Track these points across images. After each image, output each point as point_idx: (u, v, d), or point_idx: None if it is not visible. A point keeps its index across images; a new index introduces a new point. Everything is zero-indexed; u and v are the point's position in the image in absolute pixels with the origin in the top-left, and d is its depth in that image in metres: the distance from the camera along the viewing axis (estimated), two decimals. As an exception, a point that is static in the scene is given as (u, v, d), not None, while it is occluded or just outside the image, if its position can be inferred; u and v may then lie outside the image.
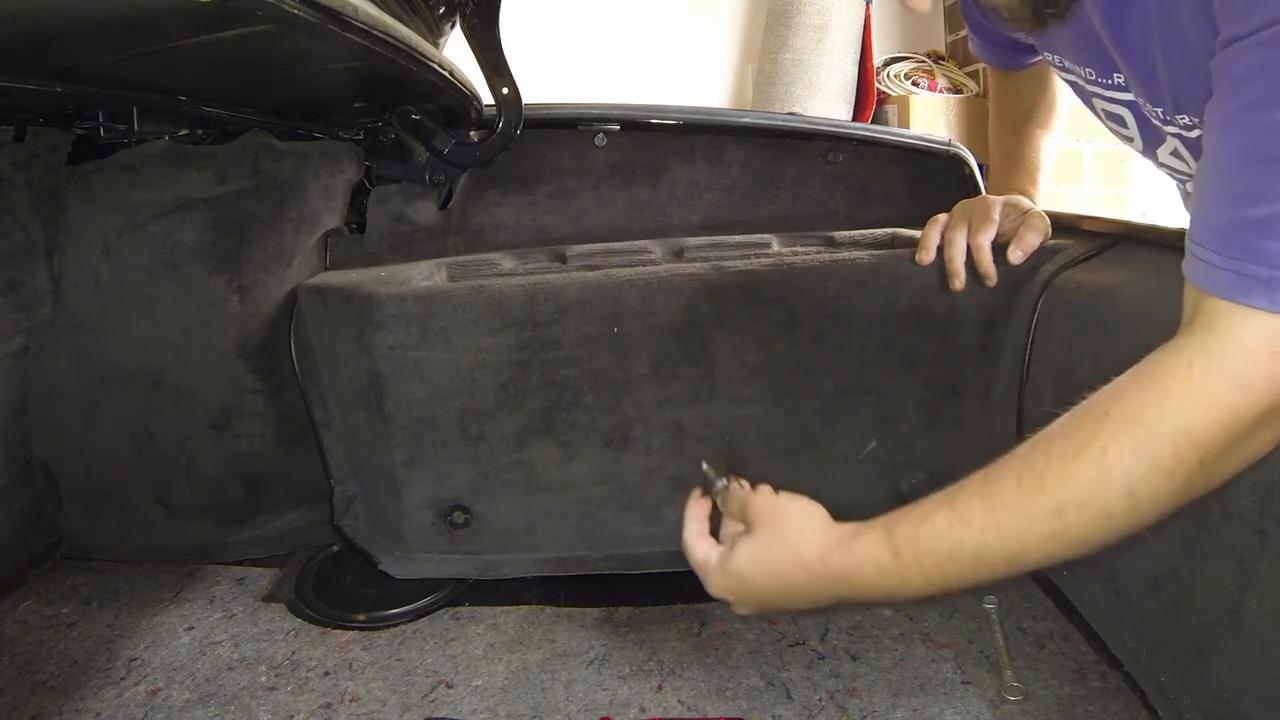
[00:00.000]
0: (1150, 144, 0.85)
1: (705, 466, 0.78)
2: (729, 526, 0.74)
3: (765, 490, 0.73)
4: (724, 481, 0.76)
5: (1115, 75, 0.80)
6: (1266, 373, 0.55)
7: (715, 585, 0.71)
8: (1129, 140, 0.87)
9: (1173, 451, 0.58)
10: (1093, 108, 0.89)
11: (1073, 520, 0.60)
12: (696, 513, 0.76)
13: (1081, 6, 0.73)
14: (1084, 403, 0.61)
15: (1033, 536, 0.61)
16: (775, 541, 0.69)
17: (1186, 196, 0.93)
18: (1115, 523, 0.61)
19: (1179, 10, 0.62)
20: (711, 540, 0.73)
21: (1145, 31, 0.69)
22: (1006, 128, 1.16)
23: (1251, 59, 0.52)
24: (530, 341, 1.11)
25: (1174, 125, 0.76)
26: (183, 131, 1.13)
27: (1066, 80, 0.92)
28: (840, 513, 0.70)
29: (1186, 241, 0.60)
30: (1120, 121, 0.86)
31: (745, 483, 0.75)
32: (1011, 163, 1.14)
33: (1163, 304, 0.84)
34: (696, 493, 0.77)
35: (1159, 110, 0.76)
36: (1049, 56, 0.90)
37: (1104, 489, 0.59)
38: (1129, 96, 0.80)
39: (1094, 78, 0.83)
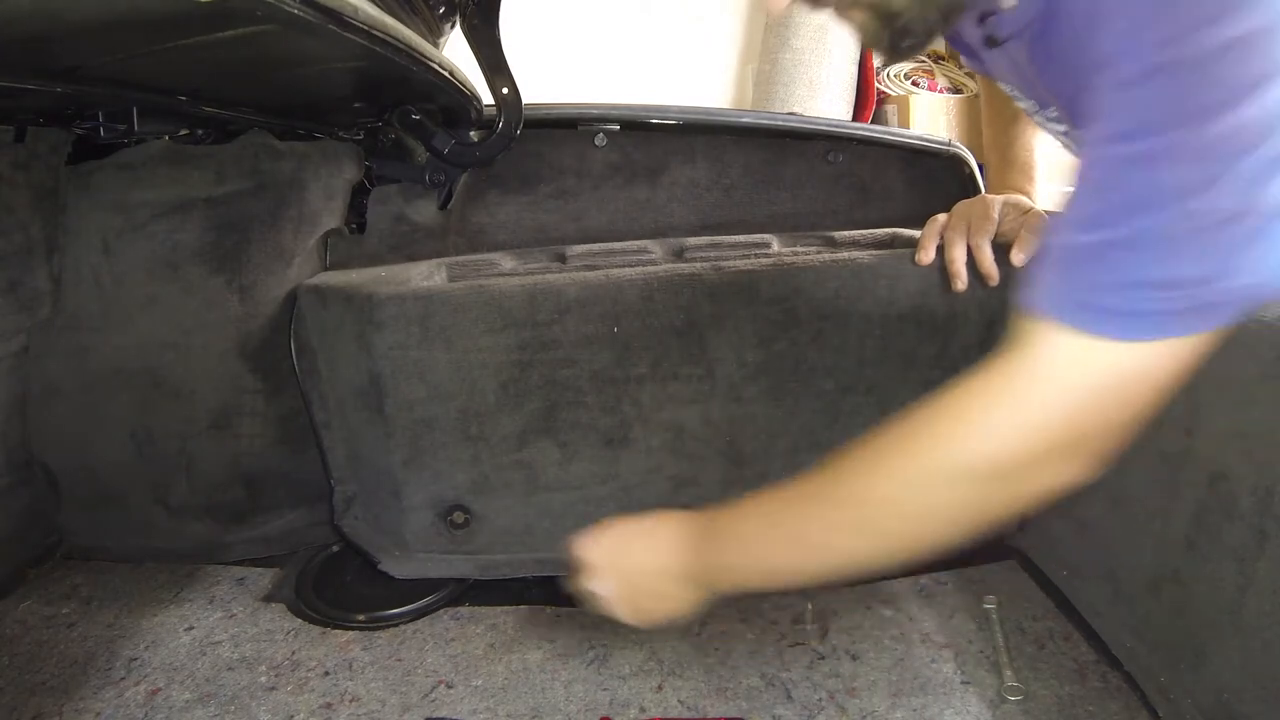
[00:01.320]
0: None
1: None
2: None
3: None
4: None
5: (1050, 109, 0.81)
6: (1064, 403, 0.57)
7: (588, 552, 0.83)
8: None
9: (967, 470, 0.60)
10: (1051, 134, 0.91)
11: (873, 523, 0.66)
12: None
13: (1012, 44, 0.74)
14: (905, 414, 0.65)
15: (835, 534, 0.68)
16: (638, 544, 0.82)
17: None
18: (907, 535, 0.65)
19: (1086, 54, 0.62)
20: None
21: (1065, 73, 0.70)
22: (999, 128, 1.16)
23: (1109, 98, 0.54)
24: (530, 341, 1.11)
25: None
26: (183, 131, 1.13)
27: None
28: None
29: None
30: (1071, 150, 0.87)
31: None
32: (1007, 162, 1.14)
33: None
34: None
35: None
36: (1001, 85, 0.91)
37: (897, 501, 0.63)
38: (1065, 128, 0.81)
39: (1035, 110, 0.84)
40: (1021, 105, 0.90)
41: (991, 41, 0.75)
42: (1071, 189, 0.58)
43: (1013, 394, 0.59)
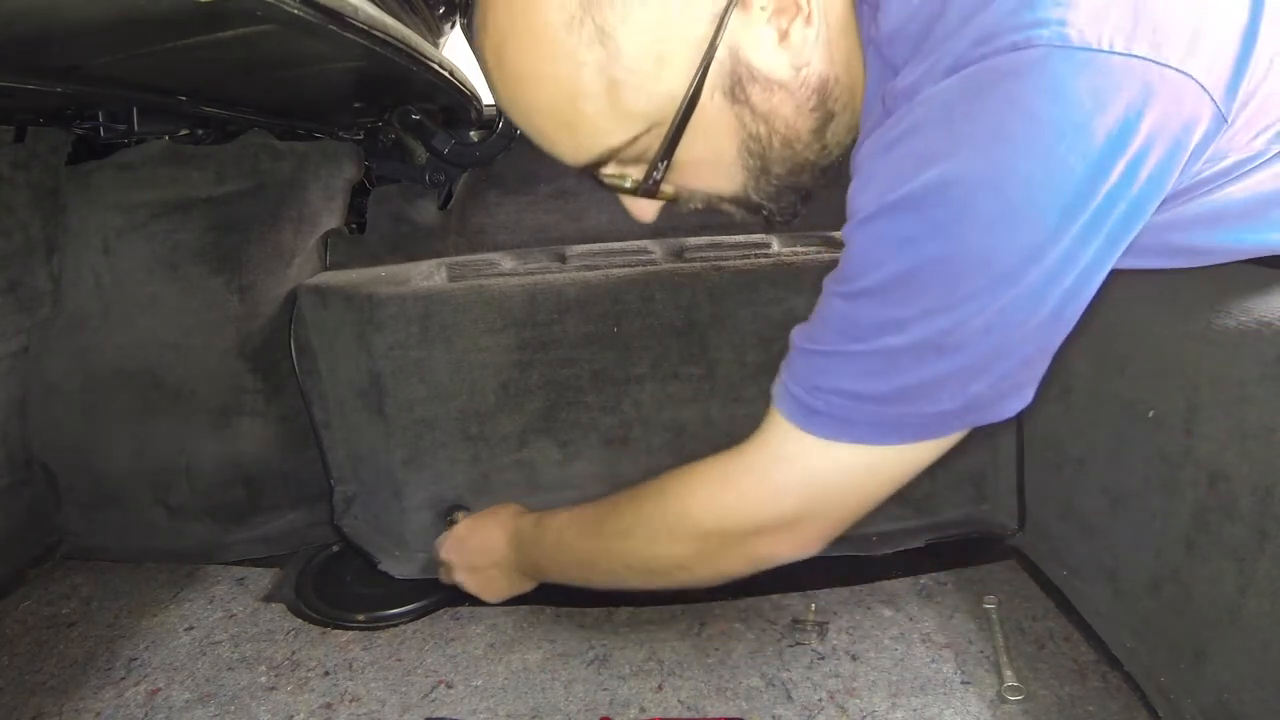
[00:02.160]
0: None
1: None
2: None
3: None
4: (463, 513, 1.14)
5: None
6: (780, 489, 0.67)
7: (444, 551, 1.07)
8: None
9: (685, 528, 0.74)
10: None
11: (616, 556, 0.82)
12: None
13: None
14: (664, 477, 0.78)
15: (594, 558, 0.85)
16: (485, 514, 1.06)
17: None
18: (645, 571, 0.80)
19: None
20: None
21: None
22: None
23: (847, 232, 0.60)
24: (530, 341, 1.11)
25: None
26: (183, 131, 1.13)
27: None
28: None
29: None
30: None
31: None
32: None
33: (1161, 303, 0.84)
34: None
35: None
36: None
37: (633, 538, 0.79)
38: None
39: None
40: None
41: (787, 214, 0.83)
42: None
43: (743, 469, 0.69)
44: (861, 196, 0.57)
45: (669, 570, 0.77)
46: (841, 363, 0.60)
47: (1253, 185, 0.61)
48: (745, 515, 0.69)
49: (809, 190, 0.70)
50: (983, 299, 0.54)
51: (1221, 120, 0.54)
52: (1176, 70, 0.50)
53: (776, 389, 0.66)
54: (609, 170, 0.64)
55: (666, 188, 0.66)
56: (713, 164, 0.64)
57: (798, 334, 0.65)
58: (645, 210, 0.69)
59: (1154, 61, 0.49)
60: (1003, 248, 0.53)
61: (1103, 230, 0.53)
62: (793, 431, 0.64)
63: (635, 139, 0.60)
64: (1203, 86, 0.51)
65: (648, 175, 0.63)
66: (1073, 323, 0.58)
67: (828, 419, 0.62)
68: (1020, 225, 0.52)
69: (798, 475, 0.65)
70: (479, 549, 1.03)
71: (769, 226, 0.73)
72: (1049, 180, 0.51)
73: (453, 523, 1.13)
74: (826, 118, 0.65)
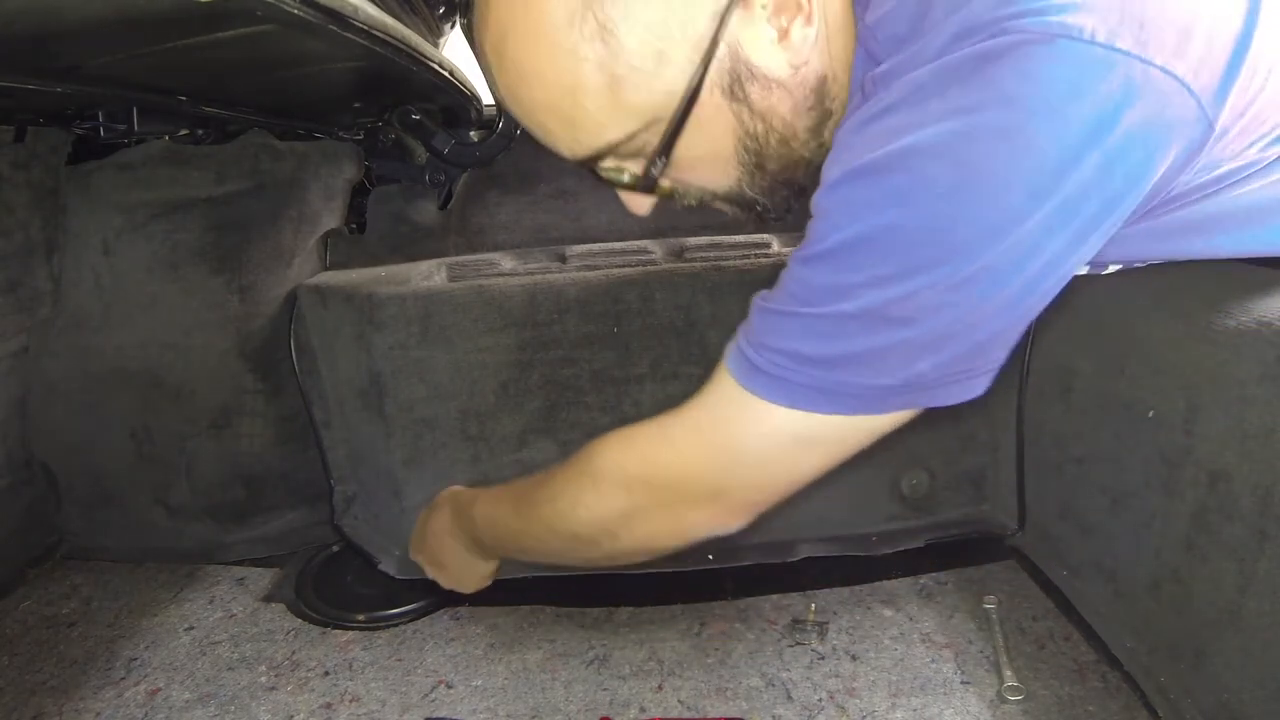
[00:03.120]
0: None
1: None
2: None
3: None
4: None
5: None
6: (715, 445, 0.66)
7: (411, 552, 1.10)
8: None
9: (619, 483, 0.73)
10: None
11: (547, 529, 0.80)
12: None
13: None
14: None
15: (533, 538, 0.84)
16: (434, 502, 1.06)
17: None
18: (571, 544, 0.80)
19: None
20: None
21: None
22: None
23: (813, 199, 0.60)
24: (530, 341, 1.10)
25: None
26: (183, 131, 1.13)
27: None
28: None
29: None
30: None
31: None
32: None
33: (1161, 303, 0.84)
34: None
35: None
36: None
37: (561, 511, 0.77)
38: None
39: None
40: None
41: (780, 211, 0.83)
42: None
43: (679, 424, 0.68)
44: (831, 168, 0.57)
45: (594, 536, 0.75)
46: (790, 322, 0.59)
47: (1247, 194, 0.61)
48: (675, 471, 0.68)
49: (803, 186, 0.69)
50: (936, 272, 0.53)
51: (1208, 127, 0.53)
52: (1161, 69, 0.49)
53: (729, 347, 0.65)
54: (607, 165, 0.64)
55: (664, 183, 0.67)
56: (710, 160, 0.64)
57: (759, 295, 0.65)
58: (641, 205, 0.69)
59: (1138, 58, 0.49)
60: (961, 220, 0.52)
61: (1071, 223, 0.52)
62: (733, 388, 0.63)
63: (634, 135, 0.61)
64: (1188, 89, 0.50)
65: (646, 171, 0.63)
66: (1031, 316, 0.57)
67: (768, 379, 0.61)
68: (981, 199, 0.51)
69: (732, 436, 0.64)
70: (432, 536, 1.03)
71: (762, 222, 0.72)
72: (1015, 158, 0.50)
73: None
74: (824, 116, 0.65)
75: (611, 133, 0.60)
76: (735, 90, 0.60)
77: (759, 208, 0.69)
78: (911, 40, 0.55)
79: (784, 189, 0.68)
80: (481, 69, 0.65)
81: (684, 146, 0.62)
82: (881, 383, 0.58)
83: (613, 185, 0.67)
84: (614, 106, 0.59)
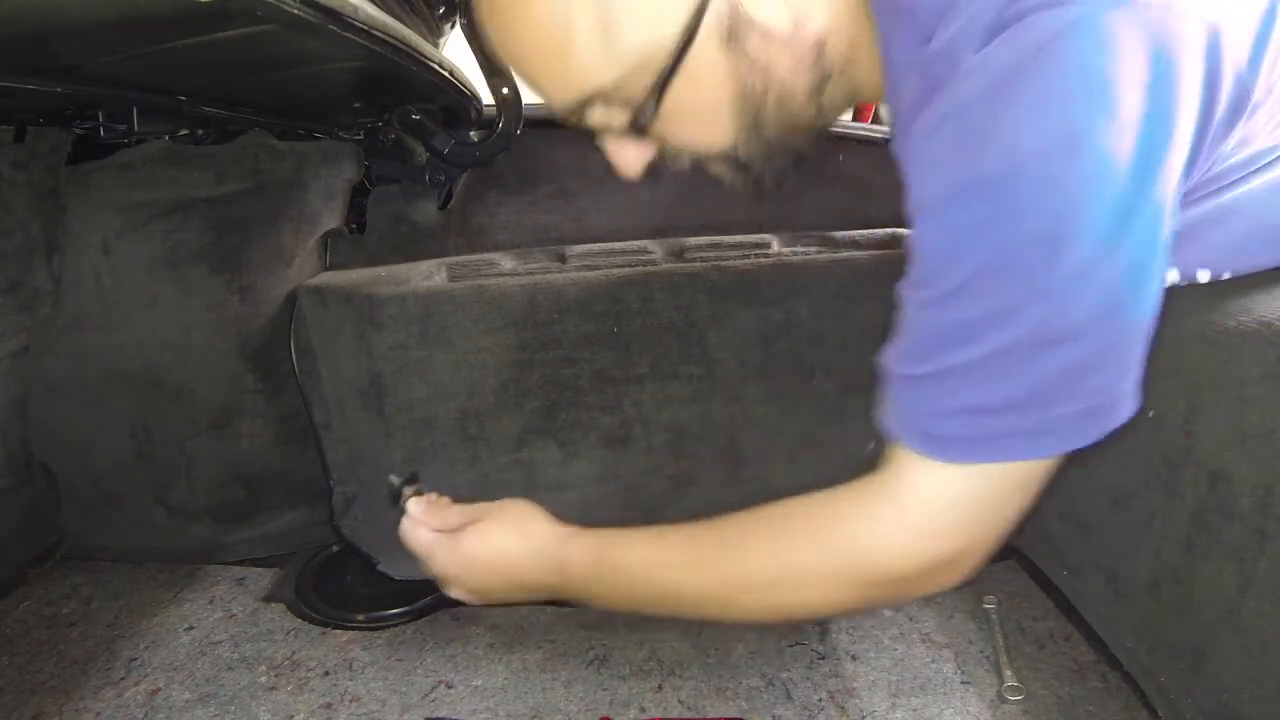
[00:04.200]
0: None
1: (391, 478, 0.86)
2: (439, 527, 0.81)
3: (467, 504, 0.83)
4: (412, 488, 0.85)
5: None
6: (931, 534, 0.59)
7: (438, 563, 0.79)
8: None
9: (849, 578, 0.63)
10: None
11: (751, 601, 0.67)
12: (414, 509, 0.83)
13: None
14: (795, 500, 0.67)
15: (715, 600, 0.69)
16: (504, 526, 0.78)
17: None
18: (787, 615, 0.69)
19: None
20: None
21: None
22: None
23: (913, 246, 0.56)
24: (530, 341, 1.10)
25: None
26: (183, 131, 1.13)
27: None
28: None
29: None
30: None
31: (443, 497, 0.85)
32: None
33: (1161, 303, 0.84)
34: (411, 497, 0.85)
35: None
36: None
37: (782, 588, 0.65)
38: None
39: None
40: None
41: (777, 179, 0.79)
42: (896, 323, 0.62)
43: (894, 518, 0.61)
44: (925, 188, 0.54)
45: (818, 613, 0.71)
46: (955, 379, 0.55)
47: (1273, 179, 0.60)
48: (910, 564, 0.61)
49: (800, 153, 0.67)
50: (1088, 272, 0.50)
51: (1246, 89, 0.52)
52: (1201, 20, 0.49)
53: (891, 425, 0.60)
54: (596, 114, 0.62)
55: (654, 136, 0.64)
56: (705, 116, 0.62)
57: (893, 360, 0.60)
58: (632, 161, 0.66)
59: (1181, 11, 0.49)
60: (1095, 209, 0.49)
61: (1164, 172, 0.50)
62: (930, 466, 0.58)
63: (625, 81, 0.58)
64: (1224, 43, 0.50)
65: (636, 115, 0.61)
66: (1157, 283, 0.53)
67: (963, 443, 0.56)
68: (1106, 181, 0.49)
69: (956, 511, 0.59)
70: (497, 571, 0.78)
71: (758, 190, 0.70)
72: (1117, 131, 0.48)
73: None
74: (823, 78, 0.62)
75: (601, 77, 0.58)
76: (732, 40, 0.58)
77: (755, 173, 0.67)
78: (954, 11, 0.53)
79: (781, 155, 0.66)
80: (474, 12, 0.63)
81: (676, 96, 0.59)
82: (1080, 407, 0.54)
83: (602, 137, 0.64)
84: (605, 49, 0.57)
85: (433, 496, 0.84)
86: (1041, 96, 0.49)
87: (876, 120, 3.28)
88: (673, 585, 0.70)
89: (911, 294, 0.57)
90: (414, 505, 0.83)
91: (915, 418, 0.58)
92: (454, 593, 0.81)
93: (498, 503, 0.81)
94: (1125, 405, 0.55)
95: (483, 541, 0.78)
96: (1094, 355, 0.53)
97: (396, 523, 0.83)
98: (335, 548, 1.28)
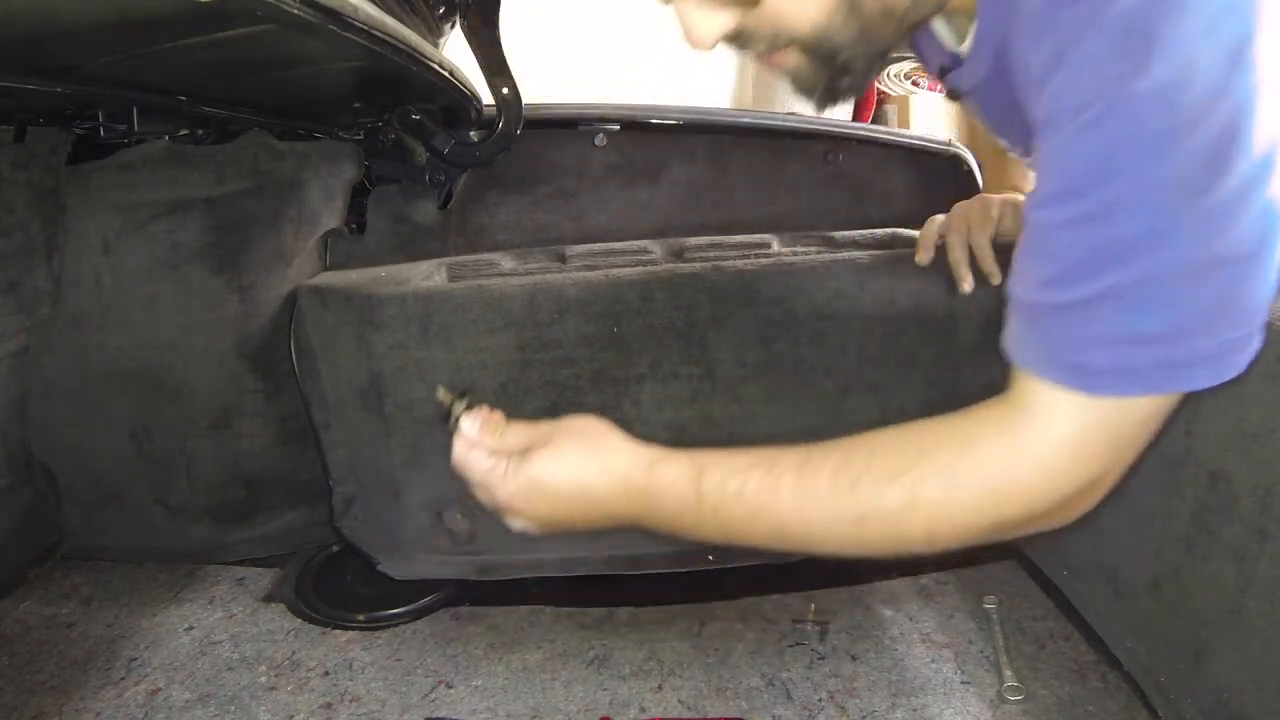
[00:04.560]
0: None
1: (440, 391, 0.74)
2: (497, 449, 0.70)
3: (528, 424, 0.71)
4: (464, 403, 0.72)
5: (1019, 151, 0.81)
6: (1069, 468, 0.57)
7: (502, 491, 0.68)
8: None
9: (974, 513, 0.60)
10: None
11: (870, 532, 0.61)
12: (469, 427, 0.71)
13: (971, 96, 0.73)
14: (916, 425, 0.63)
15: (829, 530, 0.62)
16: (581, 449, 0.68)
17: None
18: (908, 547, 0.63)
19: (1027, 115, 0.61)
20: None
21: (1013, 132, 0.69)
22: None
23: (1046, 160, 0.53)
24: (530, 341, 1.10)
25: None
26: (183, 131, 1.13)
27: None
28: None
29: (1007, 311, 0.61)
30: None
31: (497, 413, 0.73)
32: (1005, 159, 1.15)
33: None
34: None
35: None
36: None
37: (906, 519, 0.60)
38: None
39: (1010, 148, 0.84)
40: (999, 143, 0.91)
41: (952, 95, 0.75)
42: (1021, 248, 0.58)
43: (1035, 451, 0.58)
44: (1075, 93, 0.50)
45: (941, 545, 0.63)
46: (1106, 304, 0.51)
47: None
48: (1043, 499, 0.58)
49: (885, 52, 0.62)
50: (1249, 190, 0.48)
51: None
52: None
53: (1025, 358, 0.57)
54: None
55: (736, 7, 0.59)
56: None
57: (1029, 287, 0.56)
58: (705, 31, 0.60)
59: None
60: (1258, 125, 0.47)
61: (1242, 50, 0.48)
62: (1068, 399, 0.54)
63: None
64: None
65: None
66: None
67: (1112, 376, 0.53)
68: (1270, 95, 0.47)
69: (1093, 445, 0.56)
70: (570, 500, 0.68)
71: (829, 97, 0.64)
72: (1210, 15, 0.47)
73: (453, 523, 1.10)
74: None
75: None
76: None
77: (835, 69, 0.62)
78: None
79: (868, 48, 0.61)
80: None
81: None
82: (1235, 334, 0.51)
83: (674, 2, 0.60)
84: None
85: (487, 412, 0.73)
86: (1212, 4, 0.47)
87: (877, 120, 3.29)
88: (787, 517, 0.63)
89: (1051, 213, 0.53)
90: (468, 423, 0.71)
91: (1060, 349, 0.54)
92: (516, 524, 0.71)
93: (565, 420, 0.71)
94: (1257, 339, 0.53)
95: (553, 466, 0.67)
96: (1244, 280, 0.51)
97: (447, 444, 0.72)
98: (335, 548, 1.28)
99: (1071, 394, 0.55)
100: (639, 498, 0.67)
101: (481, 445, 0.70)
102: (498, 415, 0.72)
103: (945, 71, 0.73)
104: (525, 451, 0.68)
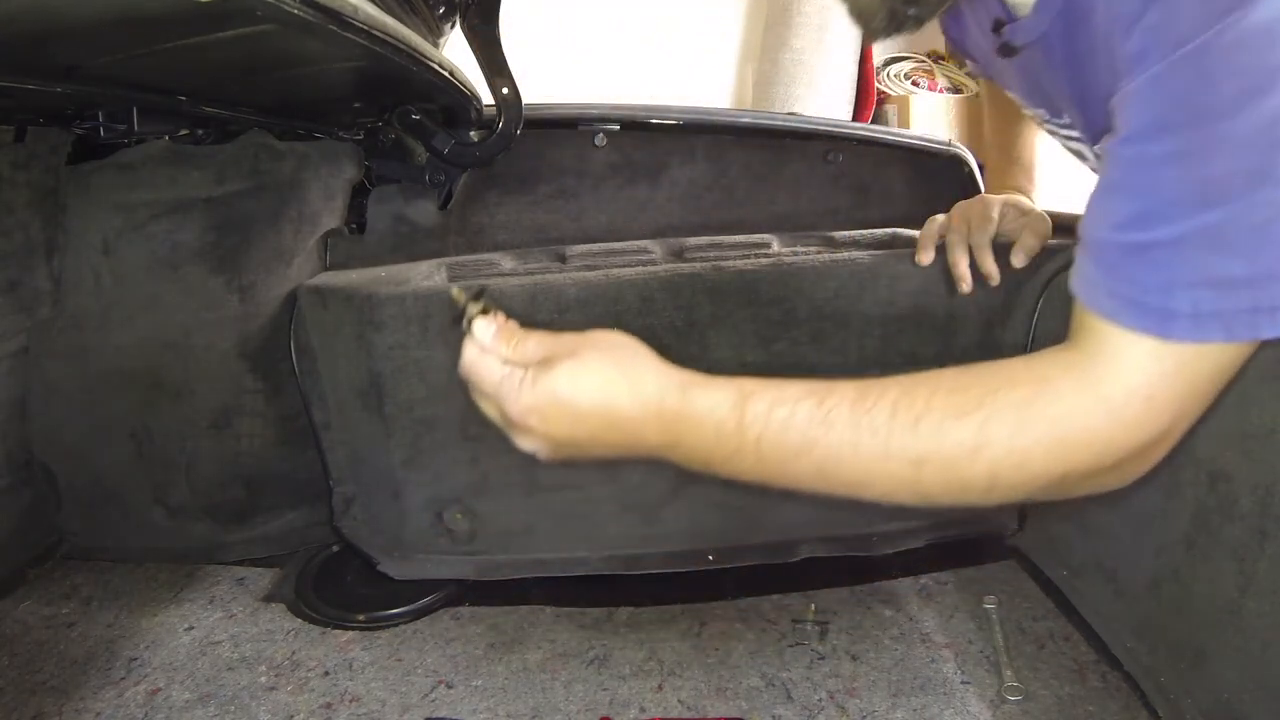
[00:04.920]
0: None
1: (453, 289, 0.67)
2: (513, 359, 0.64)
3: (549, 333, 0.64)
4: (479, 305, 0.65)
5: (1063, 117, 0.80)
6: (1142, 417, 0.54)
7: (517, 405, 0.62)
8: (1095, 171, 0.88)
9: (1044, 459, 0.56)
10: (1056, 140, 0.90)
11: (929, 475, 0.57)
12: (483, 332, 0.66)
13: (1028, 51, 0.72)
14: (981, 365, 0.59)
15: (884, 470, 0.57)
16: (609, 365, 0.62)
17: None
18: (967, 495, 0.58)
19: (1114, 54, 0.60)
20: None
21: (1089, 75, 0.69)
22: (1000, 127, 1.16)
23: (1139, 96, 0.52)
24: (530, 341, 1.10)
25: None
26: (183, 131, 1.13)
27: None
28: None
29: (1076, 254, 0.59)
30: (1080, 156, 0.86)
31: (513, 321, 0.66)
32: (1007, 160, 1.14)
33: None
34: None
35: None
36: (1008, 92, 0.90)
37: (970, 462, 0.56)
38: (1079, 133, 0.80)
39: (1047, 118, 0.84)
40: (1029, 113, 0.90)
41: (1007, 50, 0.73)
42: (1101, 187, 0.56)
43: (1100, 402, 0.55)
44: (1179, 24, 0.49)
45: (1002, 496, 0.59)
46: (1196, 245, 0.49)
47: None
48: (1115, 448, 0.56)
49: None
50: None
51: None
52: None
53: (1099, 300, 0.55)
54: None
55: None
56: None
57: (1108, 226, 0.54)
58: None
59: None
60: None
61: None
62: (1145, 344, 0.52)
63: None
64: None
65: None
66: None
67: (1196, 320, 0.50)
68: None
69: (1167, 394, 0.53)
70: (591, 421, 0.62)
71: (893, 25, 0.62)
72: None
73: (453, 523, 1.10)
74: None
75: None
76: None
77: None
78: None
79: None
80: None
81: None
82: None
83: None
84: None
85: (503, 319, 0.66)
86: None
87: (877, 120, 3.29)
88: (840, 453, 0.57)
89: (1140, 147, 0.51)
90: (481, 328, 0.65)
91: (1139, 291, 0.52)
92: (528, 444, 0.65)
93: (593, 333, 0.65)
94: None
95: (577, 380, 0.61)
96: None
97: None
98: (335, 548, 1.28)
99: (1147, 339, 0.52)
100: (671, 424, 0.60)
101: (496, 352, 0.64)
102: (514, 324, 0.66)
103: (1000, 25, 0.71)
104: (545, 362, 0.62)
